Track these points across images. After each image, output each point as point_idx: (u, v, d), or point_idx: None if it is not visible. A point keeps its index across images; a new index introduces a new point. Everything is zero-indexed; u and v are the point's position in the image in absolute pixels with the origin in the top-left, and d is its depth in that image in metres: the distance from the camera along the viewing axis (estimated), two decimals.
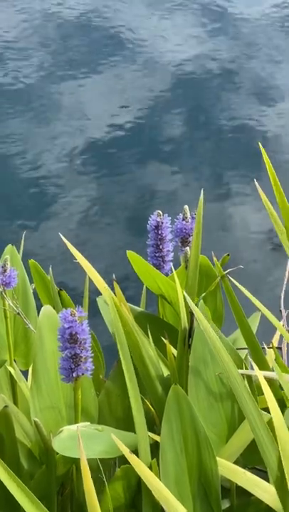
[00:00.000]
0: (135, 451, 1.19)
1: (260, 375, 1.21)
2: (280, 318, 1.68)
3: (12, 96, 4.18)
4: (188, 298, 1.29)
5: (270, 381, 1.33)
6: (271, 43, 4.66)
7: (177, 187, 3.54)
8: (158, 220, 1.51)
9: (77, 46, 4.60)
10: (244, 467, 1.27)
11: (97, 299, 1.55)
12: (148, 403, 1.37)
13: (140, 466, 1.16)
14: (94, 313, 1.59)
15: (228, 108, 4.10)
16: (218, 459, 1.24)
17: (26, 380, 1.59)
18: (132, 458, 1.16)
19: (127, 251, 1.47)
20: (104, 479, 1.27)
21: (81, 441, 1.12)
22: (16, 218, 3.37)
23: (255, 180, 1.56)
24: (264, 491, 1.20)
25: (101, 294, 1.46)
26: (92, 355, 1.28)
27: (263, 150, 1.45)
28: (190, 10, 4.95)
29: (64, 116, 4.01)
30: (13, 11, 4.91)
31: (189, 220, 1.50)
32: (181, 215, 1.52)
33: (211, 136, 3.90)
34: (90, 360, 1.26)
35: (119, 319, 1.26)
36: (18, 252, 1.69)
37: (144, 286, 1.60)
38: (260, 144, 1.52)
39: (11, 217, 3.37)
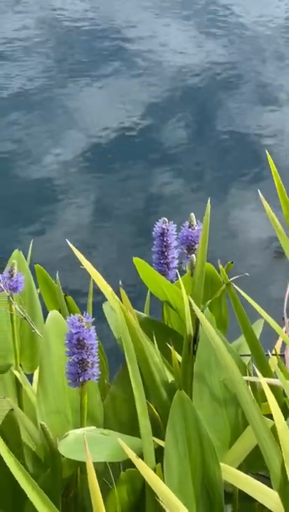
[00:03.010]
0: (140, 456, 1.21)
1: (263, 381, 1.23)
2: (282, 326, 1.69)
3: (14, 100, 4.19)
4: (194, 304, 1.30)
5: (273, 387, 1.35)
6: (275, 49, 4.68)
7: (181, 193, 3.56)
8: (163, 227, 1.52)
9: (79, 53, 4.61)
10: (247, 473, 1.29)
11: (103, 305, 1.56)
12: (153, 408, 1.38)
13: (146, 470, 1.18)
14: (96, 314, 1.60)
15: (231, 114, 4.12)
16: (221, 464, 1.26)
17: (31, 383, 1.61)
18: (138, 462, 1.17)
19: (134, 257, 1.48)
20: (110, 482, 1.29)
21: (87, 444, 1.13)
22: (21, 223, 3.38)
23: (258, 190, 1.57)
24: (267, 496, 1.21)
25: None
26: (98, 360, 1.29)
27: (269, 158, 1.46)
28: (193, 16, 4.97)
29: (67, 122, 4.02)
30: (13, 17, 4.93)
31: (195, 228, 1.52)
32: (187, 223, 1.53)
33: (215, 142, 3.92)
34: (97, 365, 1.28)
35: (127, 327, 1.27)
36: (26, 257, 1.71)
37: (148, 292, 1.61)
38: (267, 152, 1.54)
39: (16, 223, 3.38)
